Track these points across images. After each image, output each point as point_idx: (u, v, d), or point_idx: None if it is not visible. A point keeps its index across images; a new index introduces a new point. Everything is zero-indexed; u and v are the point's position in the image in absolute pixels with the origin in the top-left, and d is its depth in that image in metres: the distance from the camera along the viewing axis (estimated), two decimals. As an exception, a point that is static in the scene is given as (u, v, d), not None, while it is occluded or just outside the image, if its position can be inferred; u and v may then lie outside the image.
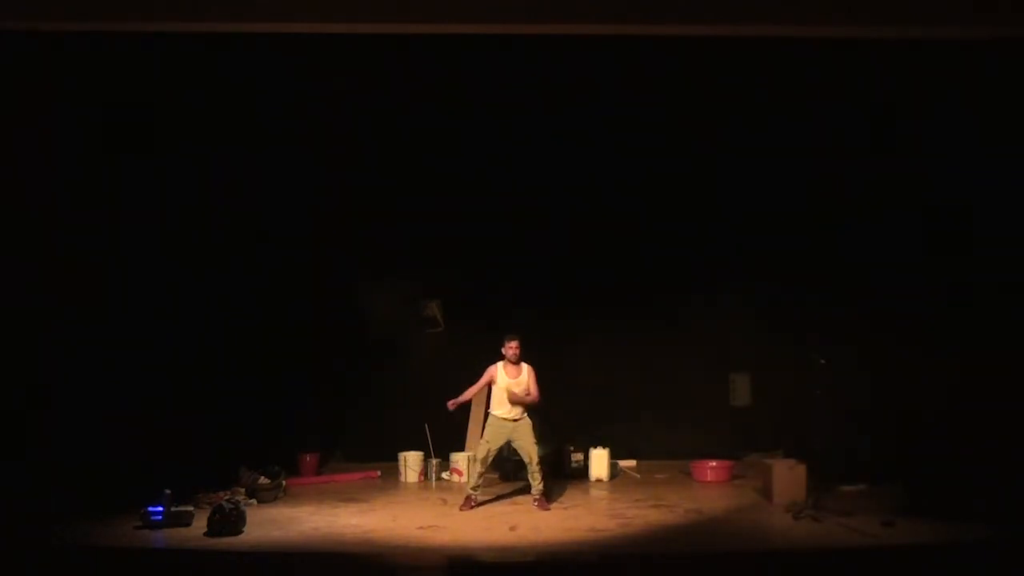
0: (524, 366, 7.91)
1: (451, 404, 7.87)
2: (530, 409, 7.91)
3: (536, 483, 7.85)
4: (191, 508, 7.17)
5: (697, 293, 9.83)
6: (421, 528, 7.05)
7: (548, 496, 8.03)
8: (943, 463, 7.61)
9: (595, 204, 9.94)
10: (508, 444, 7.96)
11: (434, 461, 9.63)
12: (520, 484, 8.56)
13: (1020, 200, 7.85)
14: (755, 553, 6.34)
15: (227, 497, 7.47)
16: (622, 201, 9.95)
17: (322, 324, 10.17)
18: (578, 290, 10.07)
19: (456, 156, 9.59)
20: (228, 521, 6.70)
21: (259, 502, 8.05)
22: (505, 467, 9.15)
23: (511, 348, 7.85)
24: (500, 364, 7.92)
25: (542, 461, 7.94)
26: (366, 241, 10.05)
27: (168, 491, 7.01)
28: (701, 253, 9.97)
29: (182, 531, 6.86)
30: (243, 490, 8.14)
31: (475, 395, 8.10)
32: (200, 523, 6.88)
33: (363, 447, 10.46)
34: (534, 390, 7.84)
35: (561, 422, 9.49)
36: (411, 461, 9.58)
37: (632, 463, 10.03)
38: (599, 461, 9.35)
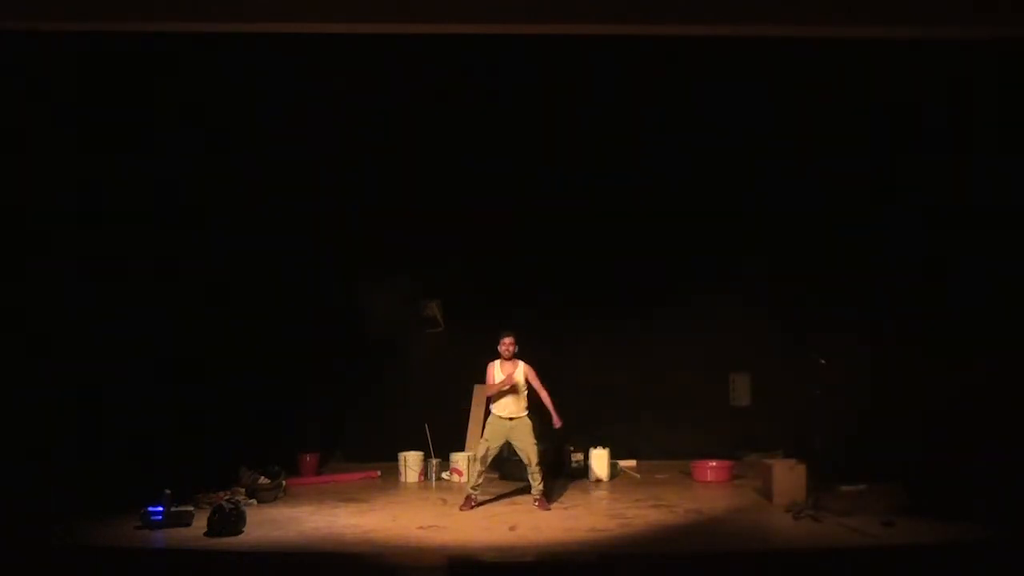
0: (520, 364, 7.90)
1: (496, 386, 7.81)
2: (531, 408, 7.90)
3: (536, 483, 7.85)
4: (191, 508, 7.17)
5: (697, 293, 9.82)
6: (421, 528, 7.05)
7: (548, 496, 8.03)
8: (943, 463, 7.61)
9: (595, 204, 9.95)
10: (508, 444, 7.96)
11: (434, 461, 9.63)
12: (520, 484, 8.56)
13: (1020, 200, 7.85)
14: (755, 553, 6.34)
15: (227, 497, 7.47)
16: (622, 201, 9.95)
17: (322, 324, 10.17)
18: (578, 290, 10.07)
19: (456, 156, 9.59)
20: (228, 521, 6.70)
21: (259, 502, 8.05)
22: (505, 467, 9.15)
23: (504, 344, 7.85)
24: (496, 362, 7.92)
25: (542, 460, 7.94)
26: (366, 241, 10.05)
27: (168, 491, 7.01)
28: (701, 253, 9.97)
29: (182, 531, 6.85)
30: (243, 490, 8.14)
31: (490, 391, 8.04)
32: (200, 523, 6.88)
33: (363, 447, 10.46)
34: (541, 386, 7.83)
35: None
36: (411, 461, 9.58)
37: (632, 463, 10.04)
38: (599, 461, 9.35)
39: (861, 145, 8.83)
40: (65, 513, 7.04)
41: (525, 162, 9.60)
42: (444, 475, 9.61)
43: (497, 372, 7.88)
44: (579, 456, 9.50)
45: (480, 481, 7.95)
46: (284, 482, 8.59)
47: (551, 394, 7.89)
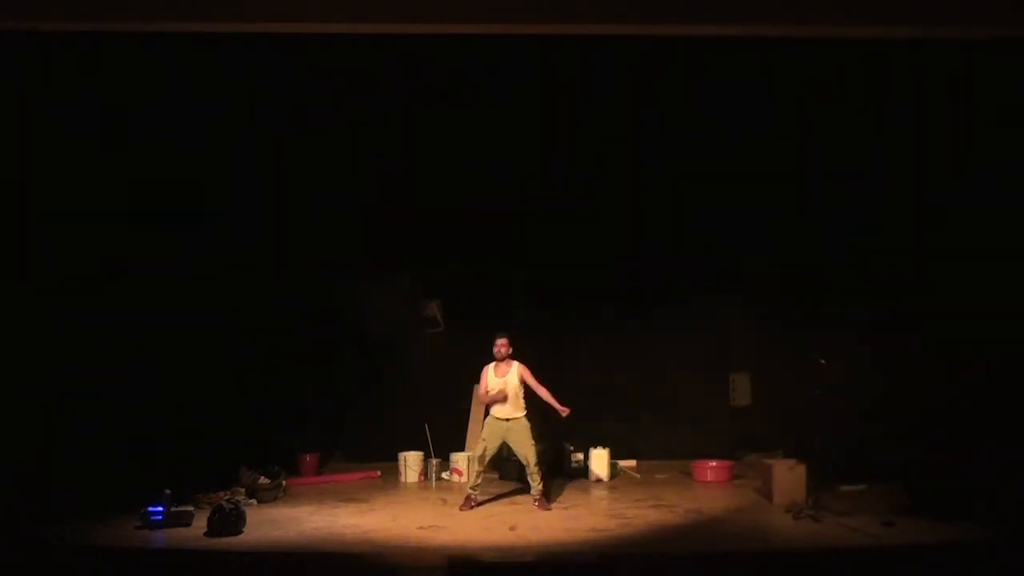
0: (514, 364, 7.90)
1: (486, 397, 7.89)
2: (529, 408, 7.90)
3: (535, 483, 7.85)
4: (191, 508, 7.17)
5: (697, 293, 9.83)
6: (421, 528, 7.05)
7: (548, 496, 8.03)
8: (943, 463, 7.61)
9: (595, 204, 9.95)
10: (508, 444, 7.95)
11: (434, 461, 9.64)
12: (520, 484, 8.56)
13: (1020, 200, 7.85)
14: (755, 553, 6.34)
15: (227, 497, 7.47)
16: (622, 201, 9.95)
17: (322, 324, 10.16)
18: (578, 290, 10.07)
19: (456, 156, 9.58)
20: (228, 521, 6.70)
21: (259, 502, 8.05)
22: (505, 467, 9.15)
23: (497, 346, 7.86)
24: (491, 365, 7.93)
25: (540, 460, 7.94)
26: (366, 241, 10.05)
27: (168, 491, 7.01)
28: (701, 253, 9.97)
29: (182, 531, 6.86)
30: (243, 490, 8.15)
31: (479, 402, 8.08)
32: (200, 523, 6.88)
33: (363, 447, 10.47)
34: (539, 386, 7.81)
35: (561, 422, 9.47)
36: (411, 461, 9.59)
37: (632, 463, 10.04)
38: (599, 461, 9.35)
39: (861, 145, 8.82)
40: (65, 513, 7.05)
41: (525, 162, 9.60)
42: (444, 475, 9.61)
43: (491, 376, 7.89)
44: (579, 456, 9.50)
45: (479, 481, 7.95)
46: (284, 482, 8.59)
47: (550, 391, 7.87)
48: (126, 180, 8.28)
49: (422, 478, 9.56)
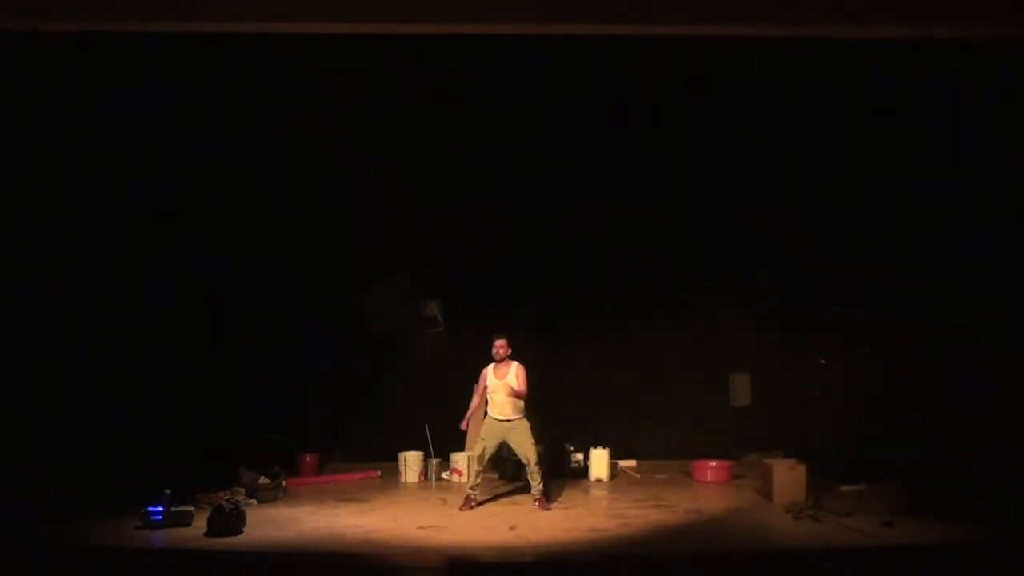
0: (513, 364, 7.89)
1: (464, 424, 8.05)
2: (527, 409, 7.89)
3: (536, 483, 7.85)
4: (191, 508, 7.17)
5: (697, 293, 9.83)
6: (421, 528, 7.05)
7: (548, 496, 8.03)
8: (943, 463, 7.61)
9: (595, 204, 9.94)
10: (508, 444, 7.96)
11: (434, 461, 9.63)
12: (520, 484, 8.56)
13: (1020, 200, 7.85)
14: (755, 553, 6.34)
15: (227, 497, 7.47)
16: (622, 201, 9.95)
17: (322, 324, 10.16)
18: (578, 290, 10.07)
19: (456, 156, 9.58)
20: (228, 521, 6.70)
21: (259, 502, 8.04)
22: (507, 468, 9.15)
23: (495, 347, 7.86)
24: (490, 366, 7.93)
25: (541, 460, 7.94)
26: (366, 241, 10.05)
27: (168, 491, 7.01)
28: (701, 253, 9.97)
29: (182, 531, 6.85)
30: (243, 490, 8.14)
31: (479, 403, 8.09)
32: (200, 523, 6.88)
33: (363, 447, 10.46)
34: (522, 386, 7.77)
35: (561, 422, 9.49)
36: (411, 461, 9.58)
37: (632, 463, 10.03)
38: (599, 461, 9.34)
39: (861, 145, 8.82)
40: (65, 513, 7.05)
41: (525, 162, 9.60)
42: (444, 475, 9.61)
43: (491, 377, 7.89)
44: (579, 456, 9.49)
45: (479, 481, 7.95)
46: (284, 482, 8.58)
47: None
48: (124, 177, 8.29)
49: (422, 478, 9.56)
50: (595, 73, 8.51)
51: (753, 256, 9.76)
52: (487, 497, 8.21)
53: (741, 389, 10.40)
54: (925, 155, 8.53)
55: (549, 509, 7.77)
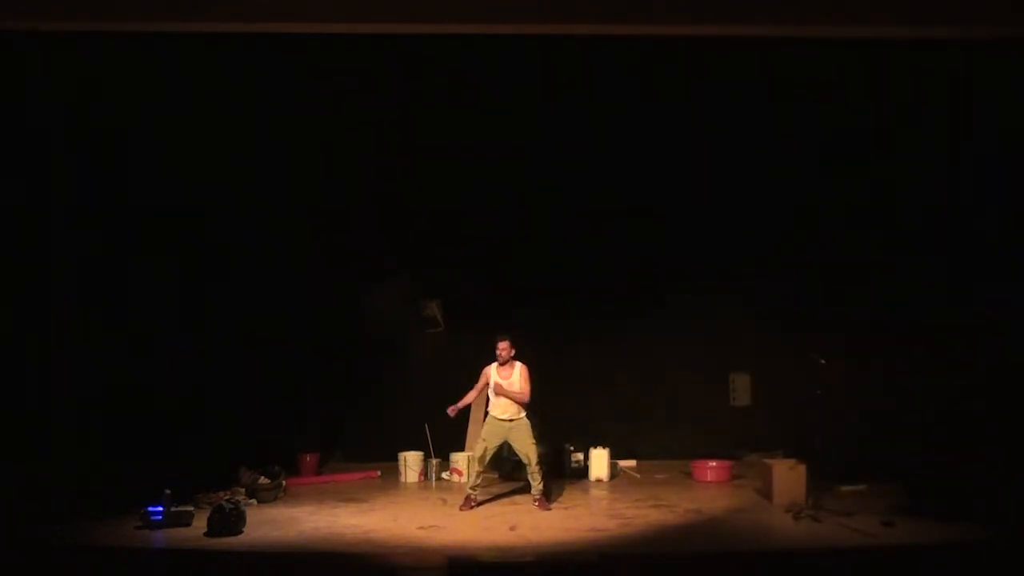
0: (517, 365, 7.90)
1: (451, 410, 7.94)
2: (528, 409, 7.89)
3: (536, 483, 7.85)
4: (191, 508, 7.17)
5: (697, 293, 9.82)
6: (421, 528, 7.05)
7: (548, 496, 8.03)
8: (943, 463, 7.61)
9: (595, 204, 9.95)
10: (509, 444, 7.96)
11: (434, 461, 9.63)
12: (520, 484, 8.56)
13: (1020, 200, 7.85)
14: (755, 553, 6.34)
15: (227, 497, 7.47)
16: (622, 201, 9.95)
17: (322, 324, 10.16)
18: (578, 290, 10.07)
19: (456, 156, 9.58)
20: (228, 521, 6.70)
21: (259, 502, 8.05)
22: (505, 467, 9.16)
23: (498, 349, 7.86)
24: (494, 365, 7.93)
25: (541, 460, 7.94)
26: (366, 241, 10.05)
27: (168, 491, 7.01)
28: (701, 253, 9.96)
29: (182, 531, 6.86)
30: (243, 490, 8.14)
31: (475, 398, 8.10)
32: (200, 523, 6.88)
33: (363, 447, 10.46)
34: (525, 387, 7.81)
35: (561, 422, 9.49)
36: (411, 461, 9.58)
37: (632, 463, 10.03)
38: (599, 461, 9.34)
39: (861, 145, 8.82)
40: (65, 513, 7.05)
41: (525, 162, 9.60)
42: (444, 475, 9.61)
43: (494, 376, 7.89)
44: (579, 456, 9.49)
45: (479, 481, 7.95)
46: (284, 482, 8.59)
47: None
48: (124, 176, 8.29)
49: (422, 478, 9.56)
50: (595, 73, 8.50)
51: (753, 256, 9.76)
52: (487, 497, 8.21)
53: (741, 389, 10.41)
54: (925, 155, 8.52)
55: (549, 509, 7.77)
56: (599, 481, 9.27)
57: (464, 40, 7.10)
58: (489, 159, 9.60)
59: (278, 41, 7.33)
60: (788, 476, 7.72)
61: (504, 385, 7.79)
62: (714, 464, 9.21)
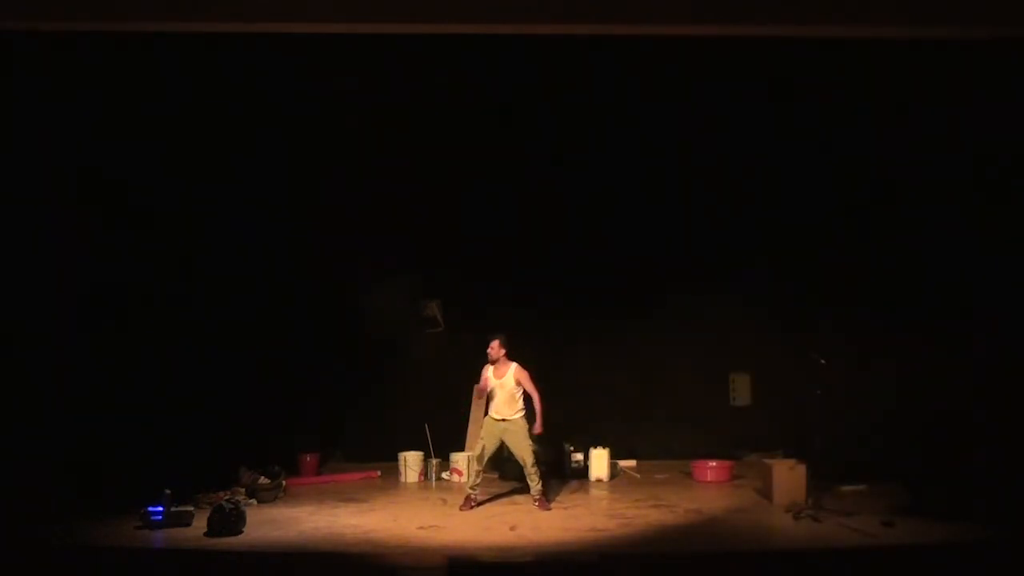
0: (511, 365, 7.89)
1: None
2: (531, 408, 7.89)
3: (534, 484, 7.85)
4: (191, 508, 7.17)
5: (697, 293, 9.82)
6: (421, 528, 7.05)
7: (548, 496, 8.03)
8: (943, 463, 7.61)
9: (595, 204, 9.95)
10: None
11: (434, 461, 9.63)
12: (519, 484, 8.56)
13: (1020, 200, 7.85)
14: (755, 553, 6.34)
15: (227, 497, 7.47)
16: (622, 201, 9.95)
17: (322, 324, 10.16)
18: (578, 290, 10.07)
19: (456, 156, 9.58)
20: (228, 521, 6.70)
21: (259, 502, 8.05)
22: (505, 467, 9.15)
23: (489, 348, 7.87)
24: (489, 365, 7.94)
25: (540, 460, 7.94)
26: (366, 241, 10.05)
27: (168, 491, 7.01)
28: (701, 253, 9.96)
29: (182, 531, 6.86)
30: (243, 490, 8.15)
31: (476, 399, 8.10)
32: (200, 523, 6.88)
33: (363, 447, 10.46)
34: (530, 388, 7.82)
35: (561, 422, 9.47)
36: (411, 461, 9.58)
37: (632, 463, 10.03)
38: (599, 461, 9.34)
39: (861, 144, 8.82)
40: (65, 513, 7.05)
41: (525, 162, 9.60)
42: (444, 475, 9.61)
43: (490, 377, 7.90)
44: (579, 456, 9.49)
45: (479, 481, 7.95)
46: (284, 482, 8.59)
47: (544, 397, 7.86)
48: (123, 176, 8.29)
49: (422, 478, 9.56)
50: (595, 73, 8.49)
51: (753, 256, 9.75)
52: (487, 497, 8.21)
53: (741, 389, 10.41)
54: (925, 154, 8.52)
55: (549, 509, 7.77)
56: (599, 481, 9.27)
57: (464, 40, 7.09)
58: (489, 159, 9.60)
59: (278, 41, 7.33)
60: (788, 476, 7.72)
61: (499, 388, 7.79)
62: (714, 464, 9.21)
